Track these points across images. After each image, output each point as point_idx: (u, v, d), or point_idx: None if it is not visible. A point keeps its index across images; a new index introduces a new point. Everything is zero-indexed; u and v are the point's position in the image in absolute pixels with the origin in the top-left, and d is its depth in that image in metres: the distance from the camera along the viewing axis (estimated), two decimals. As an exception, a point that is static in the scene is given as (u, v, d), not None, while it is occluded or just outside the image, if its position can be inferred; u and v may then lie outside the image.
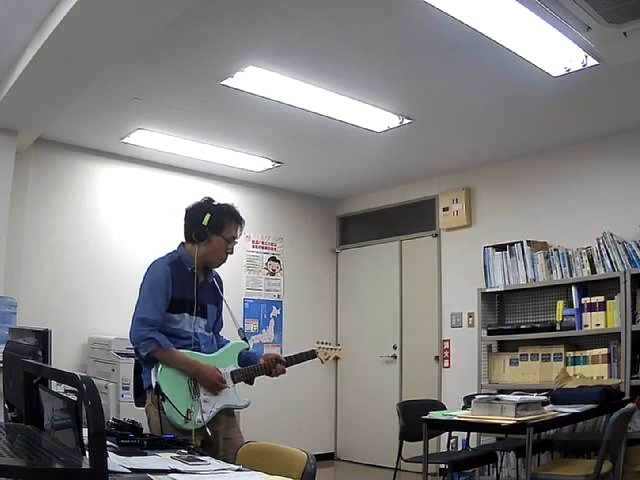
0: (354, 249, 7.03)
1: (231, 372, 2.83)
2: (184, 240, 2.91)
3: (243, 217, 2.93)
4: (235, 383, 2.83)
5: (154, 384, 2.66)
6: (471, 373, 5.31)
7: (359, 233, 7.06)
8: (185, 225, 2.90)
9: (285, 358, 2.95)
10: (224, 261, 2.91)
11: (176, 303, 2.75)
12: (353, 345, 6.50)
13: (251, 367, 2.88)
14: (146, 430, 2.08)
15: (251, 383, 2.94)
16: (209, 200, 2.91)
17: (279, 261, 6.67)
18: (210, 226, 2.81)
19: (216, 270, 3.00)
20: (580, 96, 4.29)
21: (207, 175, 6.11)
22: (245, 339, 2.95)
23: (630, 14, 3.06)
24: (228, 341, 3.00)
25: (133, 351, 2.83)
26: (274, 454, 2.00)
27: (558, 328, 4.83)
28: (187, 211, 2.91)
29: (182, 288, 2.78)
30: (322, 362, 3.07)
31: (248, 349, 2.97)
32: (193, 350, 2.77)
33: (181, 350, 2.73)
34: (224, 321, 3.07)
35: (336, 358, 3.11)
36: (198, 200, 2.92)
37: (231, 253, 2.90)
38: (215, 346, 2.91)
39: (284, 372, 2.93)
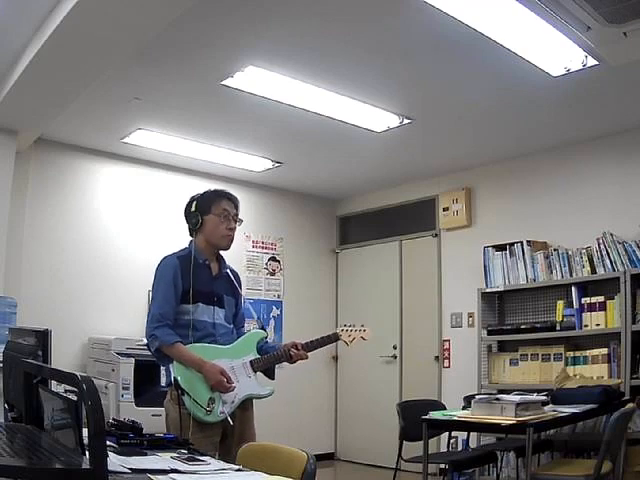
0: (354, 249, 7.03)
1: (250, 361, 2.83)
2: (191, 238, 2.95)
3: (235, 196, 2.97)
4: (255, 372, 2.83)
5: (173, 380, 2.68)
6: (471, 373, 5.31)
7: (359, 233, 7.06)
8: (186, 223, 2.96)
9: (307, 343, 2.92)
10: (229, 238, 2.91)
11: (188, 294, 2.77)
12: (353, 345, 6.49)
13: (270, 355, 2.88)
14: (146, 430, 2.07)
15: (272, 377, 2.93)
16: (196, 193, 2.98)
17: (279, 261, 6.67)
18: (198, 210, 2.88)
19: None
20: (580, 96, 4.29)
21: (207, 175, 6.11)
22: (263, 328, 2.96)
23: (630, 14, 3.06)
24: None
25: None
26: (274, 454, 2.00)
27: (558, 328, 4.83)
28: (184, 211, 2.97)
29: (194, 279, 2.78)
30: (347, 344, 3.04)
31: (267, 337, 2.98)
32: (210, 342, 2.77)
33: (197, 343, 2.73)
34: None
35: (362, 339, 3.05)
36: None
37: (232, 228, 2.91)
38: (235, 337, 2.91)
39: (306, 357, 2.90)
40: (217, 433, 2.70)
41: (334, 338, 3.01)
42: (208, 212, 2.88)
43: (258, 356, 2.87)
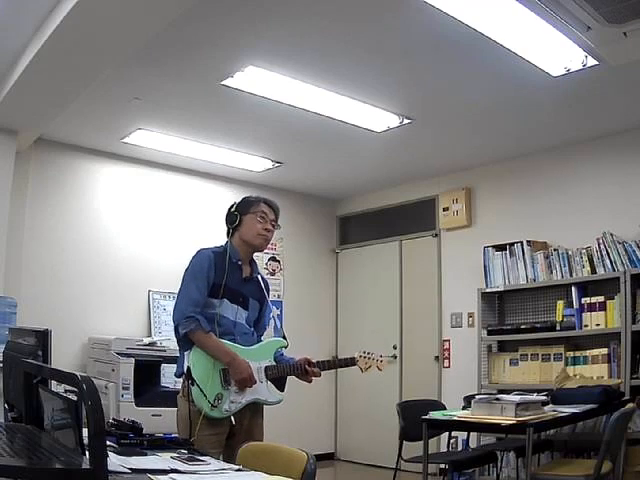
0: (354, 249, 7.02)
1: (265, 367, 2.85)
2: (227, 240, 2.99)
3: (276, 203, 3.09)
4: (268, 379, 2.85)
5: (186, 369, 2.69)
6: (471, 373, 5.30)
7: (359, 233, 7.06)
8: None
9: (322, 362, 2.96)
10: (263, 238, 2.95)
11: (217, 288, 2.80)
12: (353, 345, 6.48)
13: (285, 364, 2.90)
14: (146, 430, 2.07)
15: (282, 389, 2.94)
16: None
17: (279, 261, 6.67)
18: (238, 210, 2.96)
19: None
20: (580, 96, 4.29)
21: (207, 175, 6.11)
22: (285, 337, 2.98)
23: (630, 14, 3.06)
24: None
25: (173, 330, 2.86)
26: (274, 454, 2.00)
27: (558, 328, 4.83)
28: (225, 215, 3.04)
29: (224, 276, 2.82)
30: (362, 371, 3.06)
31: (287, 346, 2.99)
32: (229, 340, 2.78)
33: (221, 340, 2.75)
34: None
35: (377, 369, 3.08)
36: None
37: (269, 230, 2.96)
38: (254, 340, 2.93)
39: (319, 375, 2.93)
40: (224, 432, 2.72)
41: (350, 363, 3.04)
42: (246, 213, 2.95)
43: (274, 363, 2.89)
